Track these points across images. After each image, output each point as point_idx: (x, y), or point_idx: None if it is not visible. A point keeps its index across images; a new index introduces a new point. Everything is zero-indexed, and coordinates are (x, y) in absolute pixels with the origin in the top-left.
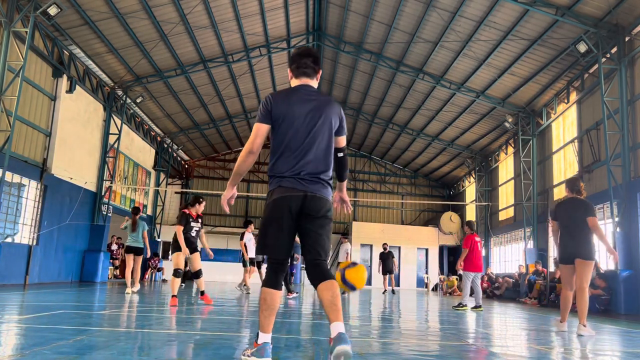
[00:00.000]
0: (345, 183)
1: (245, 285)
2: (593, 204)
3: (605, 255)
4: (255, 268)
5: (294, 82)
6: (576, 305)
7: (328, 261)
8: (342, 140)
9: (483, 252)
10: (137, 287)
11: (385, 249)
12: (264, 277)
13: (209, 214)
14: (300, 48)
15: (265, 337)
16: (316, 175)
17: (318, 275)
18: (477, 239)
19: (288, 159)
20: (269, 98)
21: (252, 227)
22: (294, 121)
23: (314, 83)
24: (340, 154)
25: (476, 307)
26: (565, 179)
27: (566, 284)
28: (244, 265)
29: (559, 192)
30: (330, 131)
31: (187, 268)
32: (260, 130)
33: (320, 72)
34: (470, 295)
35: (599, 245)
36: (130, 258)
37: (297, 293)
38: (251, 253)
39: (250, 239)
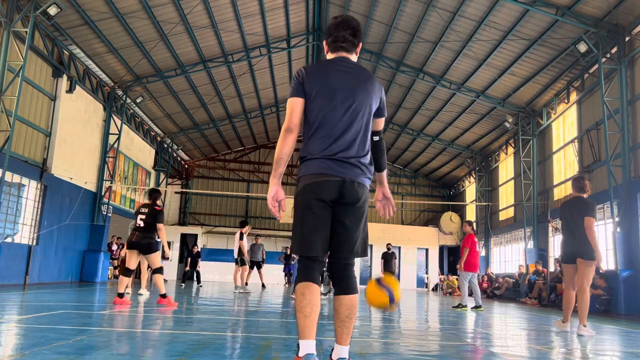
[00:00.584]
0: (385, 174)
1: (244, 285)
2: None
3: (605, 255)
4: (255, 269)
5: (330, 57)
6: (577, 305)
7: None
8: (381, 123)
9: (482, 252)
10: (147, 293)
11: (388, 249)
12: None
13: (209, 214)
14: (338, 17)
15: (308, 347)
16: (357, 158)
17: (342, 284)
18: (476, 239)
19: (323, 138)
20: (301, 71)
21: (248, 228)
22: (329, 95)
23: (353, 58)
24: (376, 138)
25: (476, 307)
26: (565, 178)
27: (568, 283)
28: (242, 265)
29: (559, 192)
30: (371, 110)
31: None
32: (294, 105)
33: (361, 45)
34: (470, 295)
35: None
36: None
37: None
38: (249, 255)
39: (245, 241)
